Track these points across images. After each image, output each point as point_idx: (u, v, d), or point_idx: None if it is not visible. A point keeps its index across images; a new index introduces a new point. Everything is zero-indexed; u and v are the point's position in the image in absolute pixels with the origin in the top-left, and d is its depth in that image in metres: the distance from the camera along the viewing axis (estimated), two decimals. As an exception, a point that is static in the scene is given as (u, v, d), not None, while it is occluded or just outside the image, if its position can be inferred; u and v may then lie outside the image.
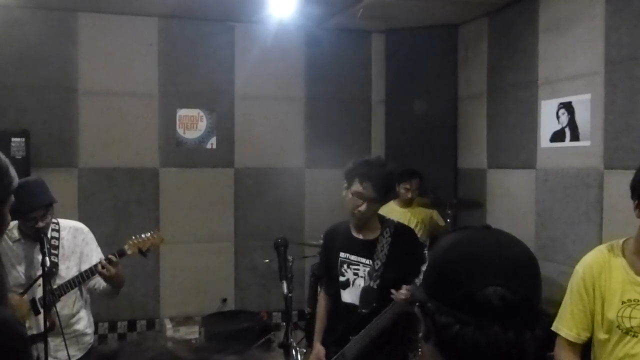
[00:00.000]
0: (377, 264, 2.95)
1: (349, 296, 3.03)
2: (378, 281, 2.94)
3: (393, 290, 2.85)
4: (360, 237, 3.05)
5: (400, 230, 3.06)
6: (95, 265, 3.12)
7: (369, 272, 2.98)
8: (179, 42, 5.88)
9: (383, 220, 3.08)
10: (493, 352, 1.06)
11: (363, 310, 2.95)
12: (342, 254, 3.07)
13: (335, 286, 3.08)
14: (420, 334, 1.17)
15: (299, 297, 5.74)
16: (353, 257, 3.04)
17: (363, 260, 3.01)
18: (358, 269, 3.02)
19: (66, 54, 5.59)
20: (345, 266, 3.06)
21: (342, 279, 3.05)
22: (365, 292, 2.97)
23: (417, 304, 1.17)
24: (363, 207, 2.92)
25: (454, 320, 1.08)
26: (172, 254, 5.75)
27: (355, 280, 3.02)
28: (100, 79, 5.67)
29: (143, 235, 3.33)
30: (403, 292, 2.83)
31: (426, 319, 1.14)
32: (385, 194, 2.99)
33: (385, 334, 2.90)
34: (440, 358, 1.13)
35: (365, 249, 3.01)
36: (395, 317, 2.88)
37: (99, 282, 3.26)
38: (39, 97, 5.50)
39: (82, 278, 3.15)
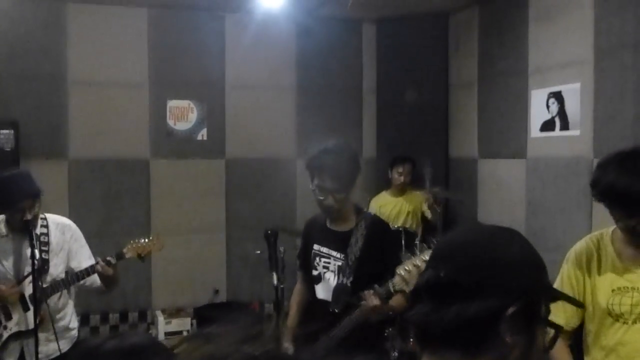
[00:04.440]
0: (351, 259, 2.79)
1: (322, 292, 2.90)
2: (351, 278, 2.78)
3: (366, 293, 2.64)
4: (334, 228, 2.91)
5: (376, 224, 2.89)
6: (93, 266, 3.15)
7: (340, 267, 2.82)
8: (169, 32, 5.84)
9: (359, 211, 2.94)
10: (417, 326, 1.19)
11: (335, 310, 2.79)
12: (315, 246, 2.95)
13: (310, 281, 2.97)
14: None
15: (292, 287, 5.71)
16: (324, 250, 2.91)
17: (334, 253, 2.87)
18: (329, 263, 2.88)
19: (55, 43, 5.53)
20: (317, 259, 2.93)
21: (314, 272, 2.93)
22: (338, 290, 2.82)
23: None
24: (329, 201, 2.80)
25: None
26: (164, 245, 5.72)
27: (325, 274, 2.89)
28: (90, 69, 5.62)
29: (143, 241, 3.35)
30: (373, 300, 2.61)
31: None
32: (348, 183, 2.83)
33: (356, 332, 2.70)
34: None
35: (338, 241, 2.86)
36: (359, 325, 2.68)
37: (95, 282, 3.27)
38: (28, 87, 5.45)
39: (77, 277, 3.16)
